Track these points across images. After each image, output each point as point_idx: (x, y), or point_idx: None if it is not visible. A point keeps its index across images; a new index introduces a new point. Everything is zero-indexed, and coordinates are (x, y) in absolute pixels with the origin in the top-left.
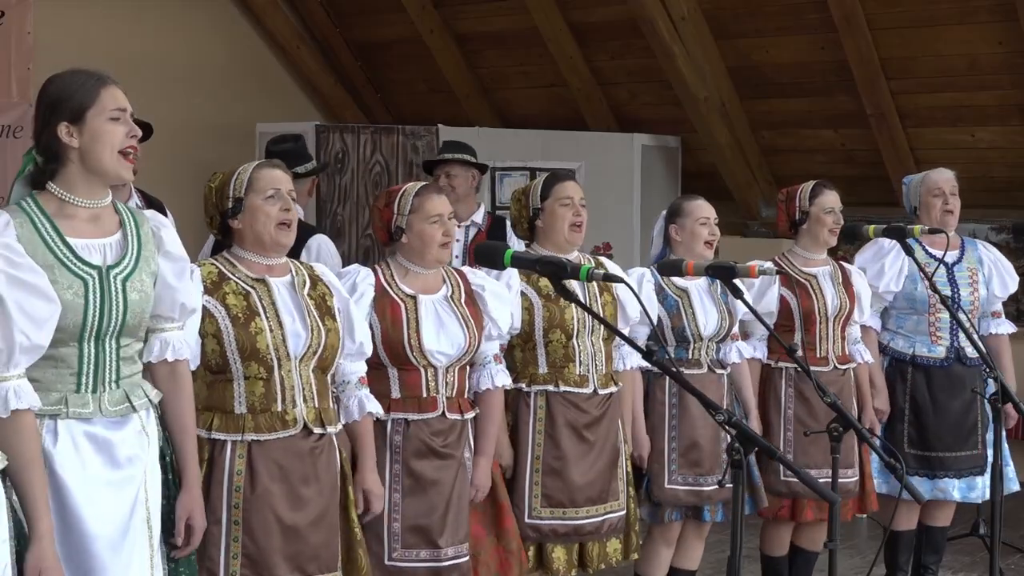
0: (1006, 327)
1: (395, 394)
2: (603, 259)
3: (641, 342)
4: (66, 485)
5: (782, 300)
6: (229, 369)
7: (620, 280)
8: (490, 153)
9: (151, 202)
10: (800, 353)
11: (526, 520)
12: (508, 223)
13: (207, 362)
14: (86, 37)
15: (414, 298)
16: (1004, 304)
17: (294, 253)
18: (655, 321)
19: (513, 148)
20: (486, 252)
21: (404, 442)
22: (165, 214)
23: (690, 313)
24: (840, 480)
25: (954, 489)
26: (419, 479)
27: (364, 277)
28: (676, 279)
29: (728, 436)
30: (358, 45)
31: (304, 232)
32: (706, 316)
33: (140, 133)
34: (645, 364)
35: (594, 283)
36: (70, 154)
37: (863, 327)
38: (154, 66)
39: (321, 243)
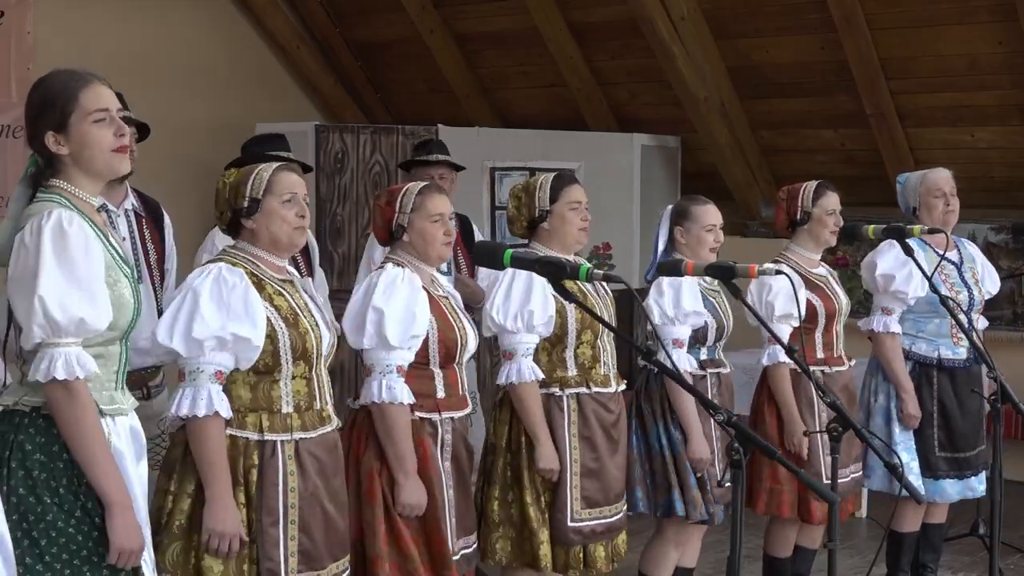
0: (983, 322)
1: (440, 394)
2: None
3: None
4: (129, 479)
5: (808, 303)
6: (279, 369)
7: (620, 280)
8: (490, 153)
9: (147, 203)
10: (799, 354)
11: (569, 524)
12: (471, 223)
13: (255, 363)
14: (86, 37)
15: (448, 298)
16: (1002, 305)
17: None
18: (700, 322)
19: (513, 148)
20: (485, 252)
21: (453, 440)
22: (162, 215)
23: (726, 312)
24: (840, 480)
25: (980, 484)
26: (462, 473)
27: (410, 278)
28: (703, 279)
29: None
30: (358, 45)
31: None
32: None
33: (129, 130)
34: (787, 360)
35: (600, 285)
36: (64, 159)
37: (890, 333)
38: (154, 66)
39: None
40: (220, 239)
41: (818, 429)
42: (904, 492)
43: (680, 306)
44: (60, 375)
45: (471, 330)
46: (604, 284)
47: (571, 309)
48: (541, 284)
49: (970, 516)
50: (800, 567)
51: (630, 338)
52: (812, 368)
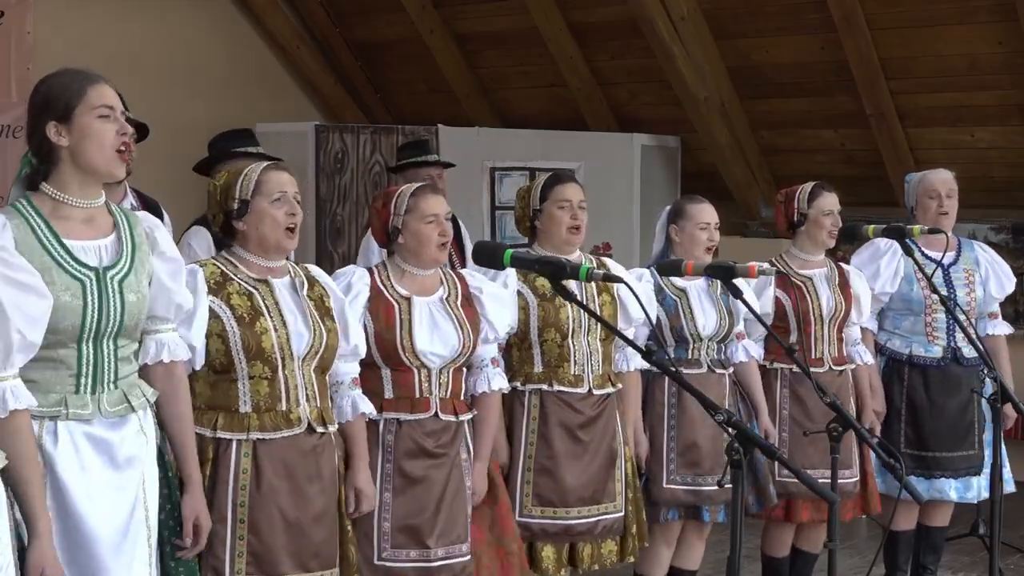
0: (1003, 328)
1: (388, 394)
2: (606, 260)
3: (642, 342)
4: (67, 487)
5: (777, 301)
6: (234, 369)
7: (620, 280)
8: (490, 153)
9: (147, 203)
10: (799, 354)
11: (517, 518)
12: (459, 222)
13: (211, 361)
14: (86, 37)
15: (408, 299)
16: (1003, 305)
17: None
18: (653, 321)
19: (513, 148)
20: (485, 252)
21: (396, 442)
22: (161, 215)
23: (688, 313)
24: (839, 480)
25: (951, 489)
26: (410, 479)
27: (359, 277)
28: (675, 279)
29: (727, 436)
30: (358, 45)
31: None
32: (705, 316)
33: (130, 131)
34: (645, 364)
35: (592, 283)
36: (61, 153)
37: (860, 328)
38: (154, 66)
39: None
40: (196, 241)
41: (818, 430)
42: (904, 493)
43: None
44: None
45: (437, 337)
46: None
47: (534, 307)
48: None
49: (970, 516)
50: (802, 571)
51: (630, 338)
52: (781, 367)
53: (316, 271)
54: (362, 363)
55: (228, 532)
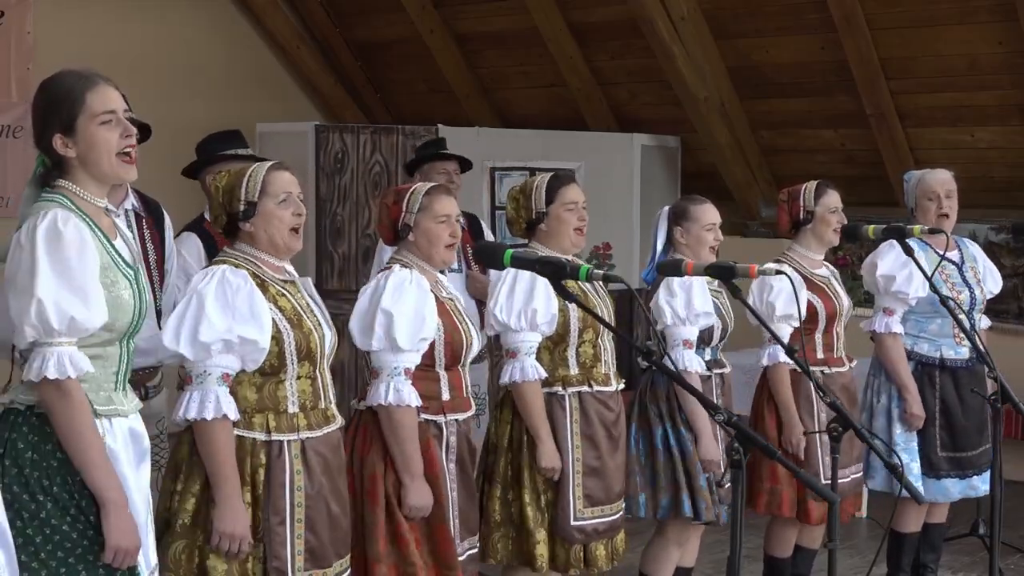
0: (986, 322)
1: (445, 396)
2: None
3: (646, 343)
4: (126, 482)
5: (808, 303)
6: (284, 370)
7: (620, 280)
8: (490, 153)
9: (148, 203)
10: (800, 354)
11: (572, 523)
12: (481, 221)
13: (260, 364)
14: (86, 37)
15: (454, 300)
16: (1006, 303)
17: None
18: (711, 323)
19: (513, 148)
20: (486, 252)
21: (457, 441)
22: (162, 215)
23: (730, 313)
24: (840, 480)
25: (983, 484)
26: (465, 475)
27: (417, 278)
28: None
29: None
30: (358, 45)
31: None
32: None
33: (135, 132)
34: (786, 360)
35: (599, 285)
36: (71, 161)
37: (892, 334)
38: (154, 66)
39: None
40: (185, 246)
41: (818, 429)
42: (905, 492)
43: (692, 306)
44: (52, 374)
45: (475, 332)
46: (603, 284)
47: (573, 308)
48: (544, 282)
49: (970, 516)
50: (801, 567)
51: (630, 338)
52: (812, 369)
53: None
54: (419, 366)
55: (288, 532)
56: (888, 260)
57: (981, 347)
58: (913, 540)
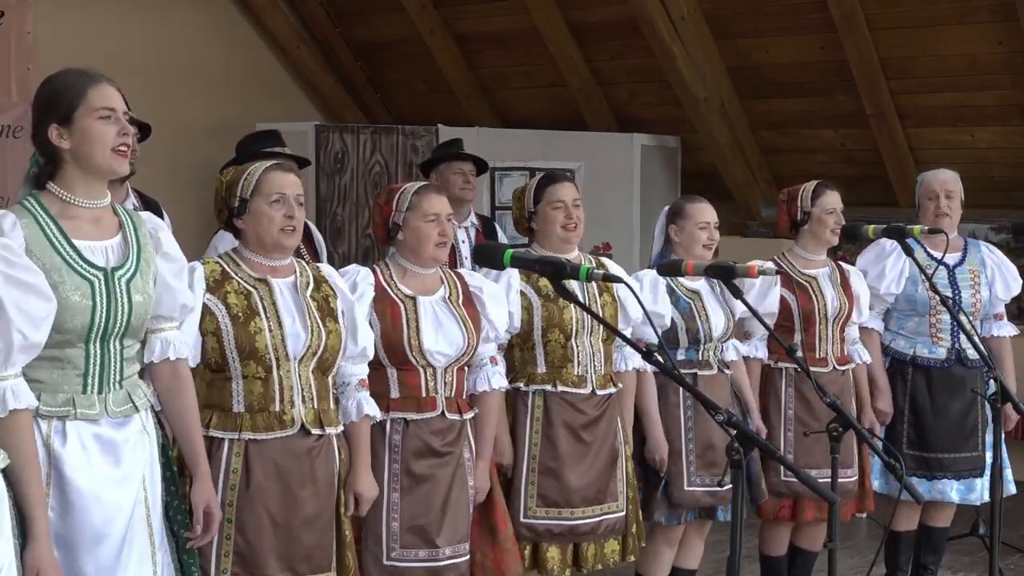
0: (1008, 330)
1: (394, 394)
2: (604, 260)
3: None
4: (75, 486)
5: (782, 301)
6: (228, 368)
7: (620, 280)
8: (490, 153)
9: (148, 203)
10: (800, 353)
11: (521, 519)
12: (495, 223)
13: (207, 360)
14: (86, 37)
15: (413, 299)
16: (1006, 304)
17: None
18: (667, 323)
19: (513, 148)
20: (486, 252)
21: (403, 441)
22: (161, 215)
23: (703, 314)
24: (840, 480)
25: (952, 490)
26: (418, 478)
27: (364, 277)
28: (684, 281)
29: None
30: (358, 45)
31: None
32: (716, 316)
33: (132, 131)
34: (644, 364)
35: (593, 284)
36: (64, 155)
37: (866, 328)
38: (154, 66)
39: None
40: (222, 244)
41: (820, 430)
42: (904, 493)
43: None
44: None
45: (443, 336)
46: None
47: (537, 307)
48: (500, 291)
49: (970, 516)
50: (801, 570)
51: (630, 338)
52: (785, 367)
53: (327, 271)
54: (370, 363)
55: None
56: (866, 256)
57: (978, 344)
58: (908, 538)
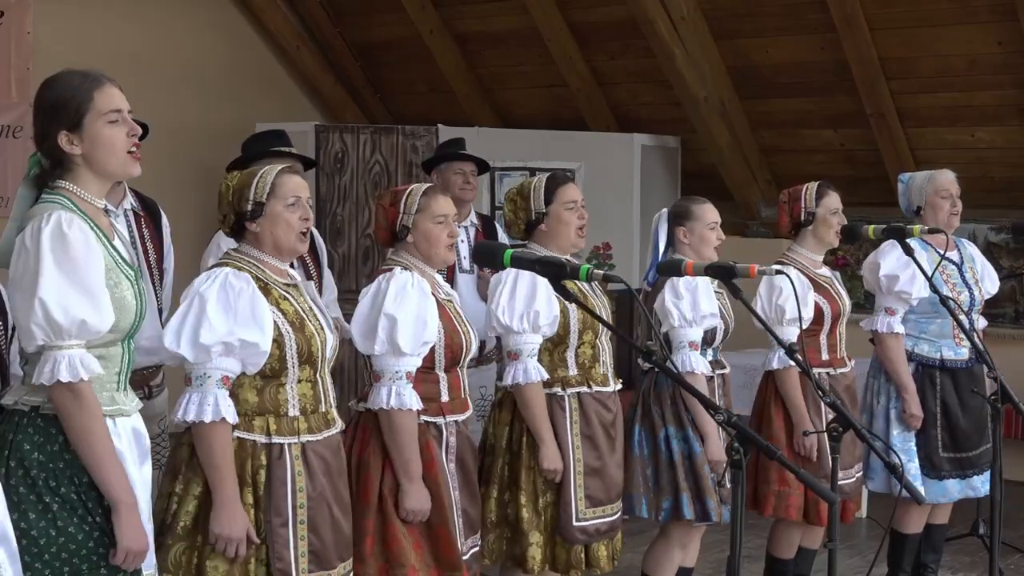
0: (982, 322)
1: (444, 397)
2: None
3: (646, 344)
4: (133, 482)
5: (814, 304)
6: (285, 373)
7: (619, 280)
8: (490, 153)
9: (145, 203)
10: (800, 354)
11: (574, 523)
12: (495, 222)
13: (261, 367)
14: (86, 37)
15: (451, 301)
16: (1004, 304)
17: None
18: (715, 324)
19: (513, 148)
20: (485, 252)
21: (457, 442)
22: (159, 215)
23: (728, 314)
24: (844, 480)
25: (983, 484)
26: (467, 476)
27: (418, 281)
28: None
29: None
30: (358, 45)
31: None
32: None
33: (140, 131)
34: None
35: (596, 286)
36: (75, 160)
37: (893, 334)
38: (154, 66)
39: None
40: (226, 243)
41: (821, 429)
42: (905, 493)
43: (698, 308)
44: (65, 377)
45: (474, 333)
46: (600, 284)
47: (573, 309)
48: (545, 284)
49: (970, 516)
50: (801, 567)
51: (630, 338)
52: (817, 370)
53: (293, 273)
54: (419, 368)
55: (291, 534)
56: (891, 260)
57: (980, 347)
58: (915, 541)
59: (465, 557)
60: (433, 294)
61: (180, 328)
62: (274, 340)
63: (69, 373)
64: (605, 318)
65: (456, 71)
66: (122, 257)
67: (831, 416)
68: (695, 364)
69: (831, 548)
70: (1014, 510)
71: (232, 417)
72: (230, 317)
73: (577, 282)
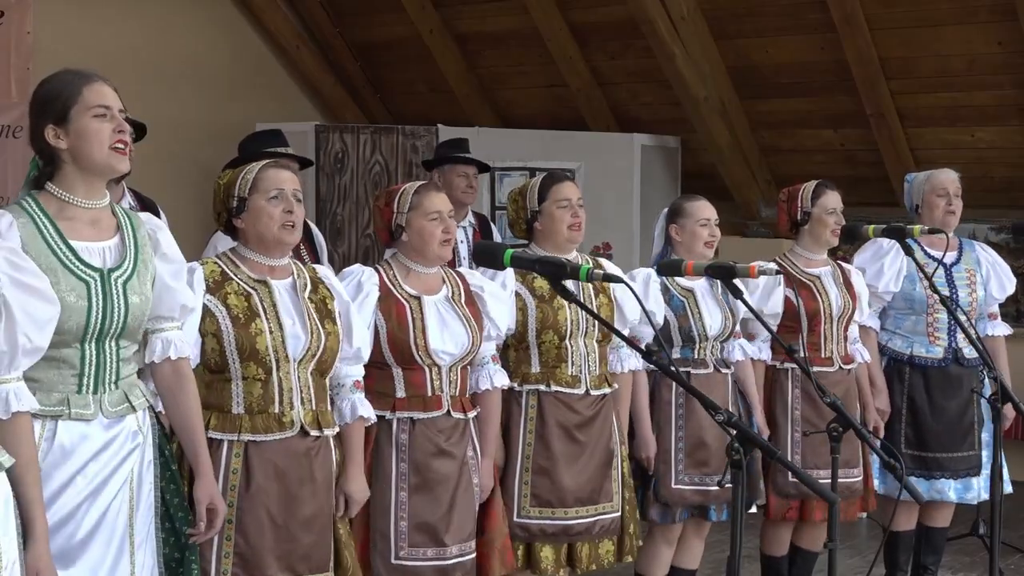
0: (1002, 329)
1: (400, 393)
2: (602, 260)
3: (644, 343)
4: (62, 486)
5: (787, 301)
6: (228, 369)
7: (620, 280)
8: (490, 153)
9: (144, 202)
10: (800, 354)
11: (515, 519)
12: (490, 222)
13: (206, 361)
14: (85, 37)
15: (418, 298)
16: (1003, 304)
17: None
18: (660, 322)
19: (513, 148)
20: (485, 252)
21: (410, 440)
22: (158, 214)
23: (696, 313)
24: (844, 480)
25: (950, 490)
26: (425, 477)
27: (368, 277)
28: (680, 279)
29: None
30: (358, 45)
31: None
32: (711, 316)
33: (128, 129)
34: (643, 365)
35: (590, 286)
36: (62, 155)
37: (863, 327)
38: (154, 66)
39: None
40: (223, 243)
41: (821, 429)
42: (905, 493)
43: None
44: None
45: (447, 334)
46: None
47: (532, 308)
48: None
49: (970, 516)
50: (802, 570)
51: (630, 338)
52: (792, 368)
53: (323, 272)
54: (371, 363)
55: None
56: (864, 255)
57: (979, 347)
58: (907, 538)
59: (447, 563)
60: (391, 289)
61: None
62: (212, 334)
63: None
64: (610, 320)
65: (456, 71)
66: (79, 258)
67: (798, 414)
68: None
69: (831, 548)
70: (1014, 510)
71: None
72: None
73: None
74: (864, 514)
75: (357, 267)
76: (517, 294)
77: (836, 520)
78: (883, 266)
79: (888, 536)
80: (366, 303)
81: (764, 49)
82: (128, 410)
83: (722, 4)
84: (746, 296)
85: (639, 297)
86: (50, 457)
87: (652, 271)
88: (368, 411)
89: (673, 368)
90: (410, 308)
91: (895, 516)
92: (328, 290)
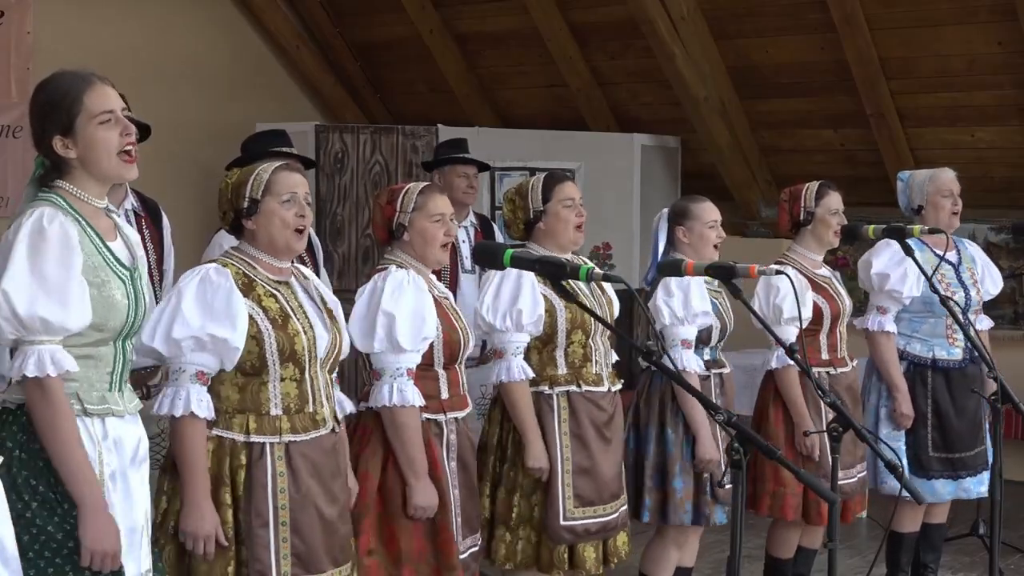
0: (986, 323)
1: (444, 395)
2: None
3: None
4: (115, 484)
5: (813, 304)
6: (266, 371)
7: (619, 280)
8: (490, 153)
9: (147, 203)
10: (801, 355)
11: (561, 523)
12: (492, 222)
13: (241, 364)
14: (85, 37)
15: (447, 298)
16: (1003, 305)
17: None
18: (707, 323)
19: (513, 148)
20: (485, 252)
21: (458, 439)
22: (160, 215)
23: (726, 312)
24: (845, 480)
25: (974, 486)
26: (467, 473)
27: (414, 278)
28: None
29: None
30: (358, 45)
31: None
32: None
33: (135, 130)
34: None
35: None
36: (71, 162)
37: (884, 332)
38: (154, 66)
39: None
40: (227, 241)
41: (820, 429)
42: (905, 493)
43: (690, 306)
44: (31, 372)
45: (471, 331)
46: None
47: (561, 309)
48: (530, 283)
49: (970, 516)
50: (801, 567)
51: (630, 338)
52: (817, 370)
53: (308, 272)
54: (418, 366)
55: (271, 536)
56: (883, 258)
57: (980, 346)
58: (911, 540)
59: (463, 556)
60: (429, 291)
61: (156, 323)
62: (252, 337)
63: (36, 368)
64: (608, 318)
65: (456, 71)
66: (116, 258)
67: (831, 416)
68: (687, 362)
69: (831, 548)
70: (1014, 510)
71: (205, 413)
72: (204, 313)
73: (577, 282)
74: (864, 514)
75: (400, 271)
76: (544, 296)
77: (836, 520)
78: (907, 270)
79: (893, 537)
80: (427, 300)
81: (764, 49)
82: (137, 407)
83: (722, 4)
84: (757, 301)
85: (638, 298)
86: (104, 455)
87: (701, 279)
88: (350, 406)
89: (674, 369)
90: (447, 307)
91: (900, 518)
92: (317, 288)
